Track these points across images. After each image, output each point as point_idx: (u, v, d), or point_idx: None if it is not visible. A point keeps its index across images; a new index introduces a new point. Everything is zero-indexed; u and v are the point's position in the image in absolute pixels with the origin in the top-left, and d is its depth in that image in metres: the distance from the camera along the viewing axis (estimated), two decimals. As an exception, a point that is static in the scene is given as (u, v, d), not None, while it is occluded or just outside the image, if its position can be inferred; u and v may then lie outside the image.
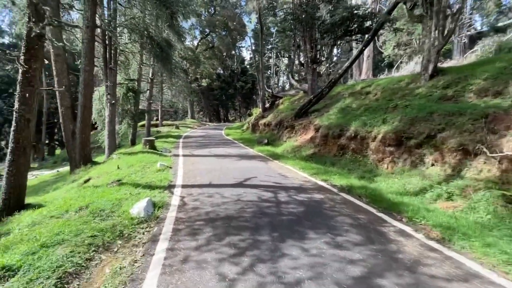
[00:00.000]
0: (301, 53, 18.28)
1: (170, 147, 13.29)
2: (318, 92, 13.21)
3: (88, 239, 3.30)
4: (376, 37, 18.81)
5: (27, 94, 5.92)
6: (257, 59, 27.63)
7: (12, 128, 5.97)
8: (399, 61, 20.21)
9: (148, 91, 24.55)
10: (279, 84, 50.08)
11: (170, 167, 8.16)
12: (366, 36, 12.97)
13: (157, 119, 33.55)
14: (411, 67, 16.17)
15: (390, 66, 21.85)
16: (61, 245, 3.13)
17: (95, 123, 18.67)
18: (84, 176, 9.05)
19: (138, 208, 4.38)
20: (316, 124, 11.43)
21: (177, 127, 27.06)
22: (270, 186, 5.89)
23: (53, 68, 10.75)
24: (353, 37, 15.43)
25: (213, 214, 4.25)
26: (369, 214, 4.29)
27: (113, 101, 15.01)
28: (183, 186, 5.94)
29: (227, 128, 29.60)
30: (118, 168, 7.85)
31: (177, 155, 10.55)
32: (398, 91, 10.04)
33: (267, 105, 21.53)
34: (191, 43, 35.92)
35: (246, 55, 57.10)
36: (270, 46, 37.67)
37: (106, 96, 15.16)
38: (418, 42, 19.30)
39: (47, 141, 35.77)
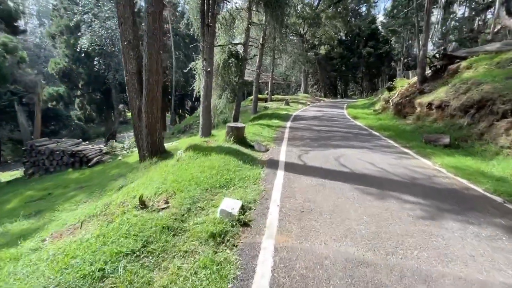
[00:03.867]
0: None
1: (269, 137, 8.35)
2: None
3: None
4: None
5: None
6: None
7: None
8: None
9: (257, 60, 20.48)
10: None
11: (247, 224, 3.04)
12: None
13: (267, 93, 29.95)
14: None
15: None
16: None
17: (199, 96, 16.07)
18: (139, 177, 5.46)
19: None
20: None
21: (287, 103, 22.19)
22: None
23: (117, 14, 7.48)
24: None
25: None
26: None
27: (209, 69, 11.30)
28: None
29: (349, 106, 22.25)
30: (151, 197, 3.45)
31: (275, 164, 5.37)
32: None
33: (429, 71, 12.90)
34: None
35: (377, 12, 44.09)
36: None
37: (202, 62, 11.64)
38: None
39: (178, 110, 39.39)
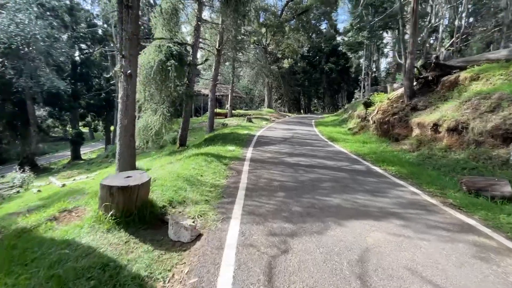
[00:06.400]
0: None
1: (212, 186, 4.51)
2: None
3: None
4: None
5: None
6: None
7: None
8: None
9: (213, 68, 16.91)
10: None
11: None
12: None
13: (228, 108, 26.36)
14: None
15: None
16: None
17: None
18: None
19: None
20: None
21: (250, 120, 18.80)
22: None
23: None
24: None
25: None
26: None
27: (129, 71, 7.37)
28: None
29: (317, 123, 19.71)
30: None
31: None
32: None
33: (415, 84, 10.57)
34: (274, 6, 26.44)
35: (339, 26, 44.26)
36: None
37: (119, 61, 7.65)
38: None
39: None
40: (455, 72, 9.06)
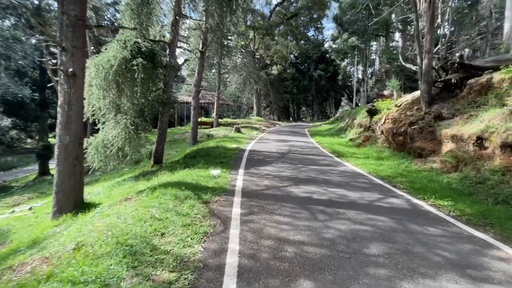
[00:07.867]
0: None
1: (174, 273, 2.44)
2: None
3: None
4: None
5: None
6: None
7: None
8: None
9: (196, 73, 14.86)
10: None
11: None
12: None
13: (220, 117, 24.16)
14: None
15: None
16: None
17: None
18: None
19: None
20: None
21: (238, 130, 16.74)
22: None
23: None
24: None
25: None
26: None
27: (71, 69, 5.21)
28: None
29: (312, 133, 17.93)
30: None
31: None
32: None
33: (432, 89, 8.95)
34: (262, 8, 24.94)
35: (326, 34, 43.67)
36: None
37: (60, 56, 5.47)
38: None
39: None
40: (482, 73, 7.49)
